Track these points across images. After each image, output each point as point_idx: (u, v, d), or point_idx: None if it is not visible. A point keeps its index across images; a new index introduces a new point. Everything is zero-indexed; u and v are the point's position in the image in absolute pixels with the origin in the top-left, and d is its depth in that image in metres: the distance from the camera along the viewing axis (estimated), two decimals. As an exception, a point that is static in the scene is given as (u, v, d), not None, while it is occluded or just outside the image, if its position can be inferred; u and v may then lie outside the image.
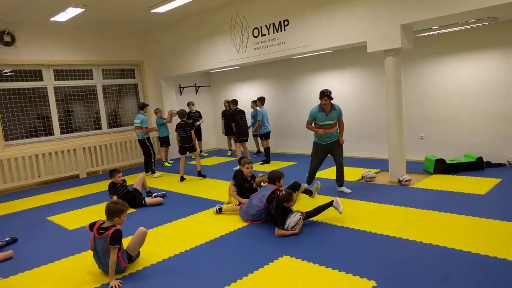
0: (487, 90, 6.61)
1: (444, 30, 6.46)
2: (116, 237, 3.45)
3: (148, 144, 8.24)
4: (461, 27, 6.27)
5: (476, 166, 6.31)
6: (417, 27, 6.02)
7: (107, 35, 9.49)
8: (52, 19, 7.63)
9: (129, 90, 10.30)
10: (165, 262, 3.80)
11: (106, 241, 3.44)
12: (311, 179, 5.96)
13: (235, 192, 5.45)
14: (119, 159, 9.59)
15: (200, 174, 7.54)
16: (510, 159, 6.43)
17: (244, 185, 5.42)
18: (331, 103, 5.54)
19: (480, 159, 6.34)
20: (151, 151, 8.27)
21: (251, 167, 5.42)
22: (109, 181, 5.90)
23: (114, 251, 3.42)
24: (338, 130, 5.75)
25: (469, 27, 6.30)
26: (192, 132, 7.57)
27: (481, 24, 6.14)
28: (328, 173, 6.93)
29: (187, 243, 4.22)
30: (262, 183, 5.17)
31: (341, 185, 5.79)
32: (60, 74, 8.91)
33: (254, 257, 3.74)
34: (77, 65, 9.10)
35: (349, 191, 5.69)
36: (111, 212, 3.58)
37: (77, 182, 8.44)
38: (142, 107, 8.42)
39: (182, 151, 7.54)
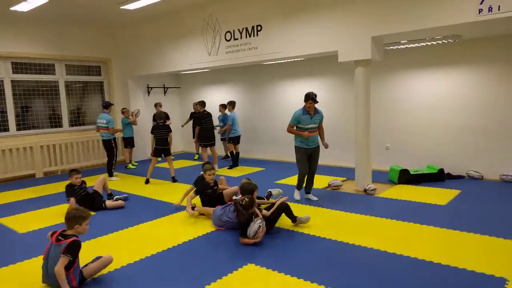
0: (449, 104, 6.86)
1: (412, 45, 6.66)
2: (73, 248, 3.16)
3: (113, 145, 7.87)
4: (428, 43, 6.49)
5: (437, 178, 6.51)
6: (387, 40, 6.16)
7: (72, 29, 9.08)
8: (12, 8, 7.19)
9: (94, 88, 9.89)
10: (123, 269, 3.60)
11: (61, 249, 3.16)
12: (300, 185, 5.80)
13: (191, 199, 5.20)
14: (80, 159, 9.17)
15: (174, 179, 7.32)
16: (469, 172, 6.68)
17: (206, 191, 5.26)
18: (315, 106, 5.50)
19: (441, 171, 6.54)
20: (115, 153, 7.93)
21: (213, 173, 5.26)
22: (68, 181, 5.57)
23: (63, 261, 3.10)
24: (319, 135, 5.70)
25: (435, 43, 6.53)
26: (170, 134, 7.35)
27: (446, 41, 6.38)
28: (293, 180, 6.91)
29: (148, 250, 4.03)
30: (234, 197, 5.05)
31: (308, 192, 5.78)
32: (19, 67, 8.42)
33: (217, 265, 3.62)
34: (38, 58, 8.63)
35: (316, 198, 5.68)
36: (71, 219, 3.29)
37: (33, 182, 7.96)
38: (107, 106, 8.00)
39: (157, 153, 7.28)
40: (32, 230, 4.79)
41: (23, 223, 5.10)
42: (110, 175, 7.89)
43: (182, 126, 10.64)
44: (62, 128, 9.16)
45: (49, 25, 8.66)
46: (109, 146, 7.84)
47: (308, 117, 5.49)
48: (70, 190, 5.40)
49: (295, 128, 5.60)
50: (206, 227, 4.67)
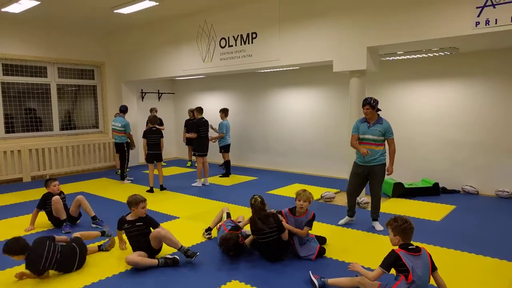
0: (445, 117, 6.75)
1: (408, 56, 6.57)
2: None
3: (125, 148, 7.90)
4: (424, 55, 6.40)
5: (432, 192, 6.37)
6: (382, 50, 6.06)
7: (66, 32, 8.95)
8: (3, 9, 7.06)
9: (87, 92, 9.75)
10: (105, 281, 3.42)
11: None
12: (349, 209, 5.01)
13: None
14: (70, 164, 8.98)
15: (162, 188, 7.16)
16: (464, 187, 6.55)
17: (124, 227, 3.98)
18: (378, 115, 4.74)
19: (436, 184, 6.41)
20: (127, 156, 7.94)
21: (145, 204, 4.02)
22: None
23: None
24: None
25: (431, 55, 6.44)
26: (162, 140, 7.21)
27: (443, 54, 6.29)
28: (286, 191, 6.77)
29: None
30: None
31: (374, 219, 4.91)
32: (10, 69, 8.27)
33: (200, 281, 3.45)
34: (30, 60, 8.49)
35: (380, 228, 4.75)
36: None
37: (19, 186, 7.76)
38: (125, 110, 8.09)
39: (150, 159, 7.07)
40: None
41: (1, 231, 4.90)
42: (122, 178, 7.95)
43: (186, 143, 10.07)
44: (53, 132, 8.99)
45: (42, 27, 8.54)
46: (121, 149, 7.88)
47: (366, 126, 4.73)
48: (45, 200, 4.97)
49: (357, 140, 4.76)
50: (190, 239, 4.50)
